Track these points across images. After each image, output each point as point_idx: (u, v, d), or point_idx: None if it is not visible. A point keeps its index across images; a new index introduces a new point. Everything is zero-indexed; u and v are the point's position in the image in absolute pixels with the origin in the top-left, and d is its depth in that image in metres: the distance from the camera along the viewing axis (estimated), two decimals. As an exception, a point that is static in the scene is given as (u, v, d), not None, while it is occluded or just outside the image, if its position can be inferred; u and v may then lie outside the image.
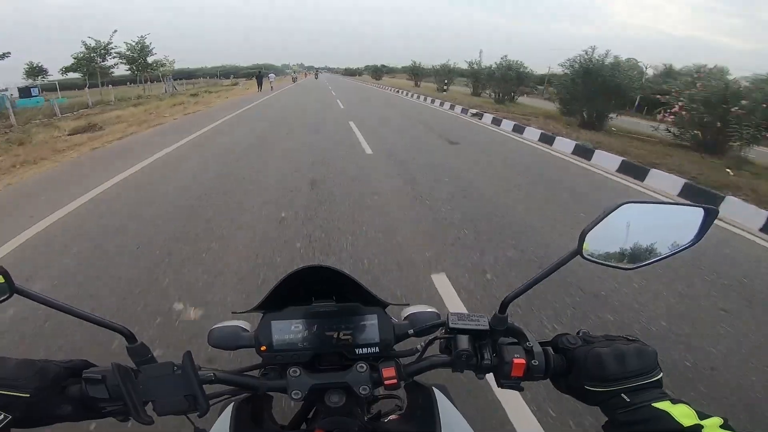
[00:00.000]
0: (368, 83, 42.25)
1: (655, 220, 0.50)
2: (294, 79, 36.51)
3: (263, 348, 0.56)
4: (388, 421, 0.70)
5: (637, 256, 0.50)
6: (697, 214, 0.50)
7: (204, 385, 0.50)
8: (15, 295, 0.44)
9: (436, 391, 0.63)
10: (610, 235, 0.48)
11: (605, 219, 0.47)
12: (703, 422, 0.40)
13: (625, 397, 0.46)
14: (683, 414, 0.42)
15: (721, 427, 0.40)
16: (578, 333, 0.54)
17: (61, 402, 0.47)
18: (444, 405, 0.61)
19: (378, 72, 61.54)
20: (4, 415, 0.43)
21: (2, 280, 0.43)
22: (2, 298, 0.44)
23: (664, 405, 0.43)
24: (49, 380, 0.46)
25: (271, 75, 27.41)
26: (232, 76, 60.27)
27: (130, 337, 0.49)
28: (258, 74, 26.30)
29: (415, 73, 37.67)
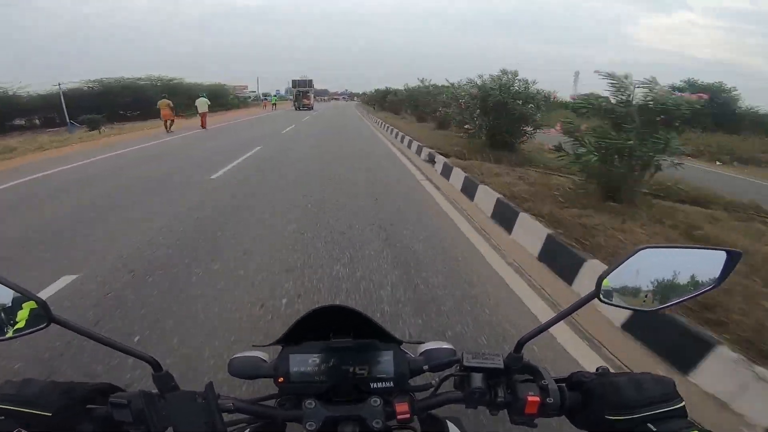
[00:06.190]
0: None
1: (674, 263, 0.50)
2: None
3: (281, 379, 0.57)
4: None
5: (656, 299, 0.50)
6: (718, 257, 0.49)
7: (223, 414, 0.52)
8: (52, 324, 0.47)
9: (450, 424, 0.63)
10: (629, 279, 0.48)
11: (623, 264, 0.47)
12: None
13: (651, 426, 0.45)
14: None
15: None
16: (597, 370, 0.54)
17: (83, 423, 0.49)
18: None
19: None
20: None
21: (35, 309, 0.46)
22: (39, 327, 0.47)
23: None
24: (73, 401, 0.48)
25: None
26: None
27: (156, 365, 0.51)
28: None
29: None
